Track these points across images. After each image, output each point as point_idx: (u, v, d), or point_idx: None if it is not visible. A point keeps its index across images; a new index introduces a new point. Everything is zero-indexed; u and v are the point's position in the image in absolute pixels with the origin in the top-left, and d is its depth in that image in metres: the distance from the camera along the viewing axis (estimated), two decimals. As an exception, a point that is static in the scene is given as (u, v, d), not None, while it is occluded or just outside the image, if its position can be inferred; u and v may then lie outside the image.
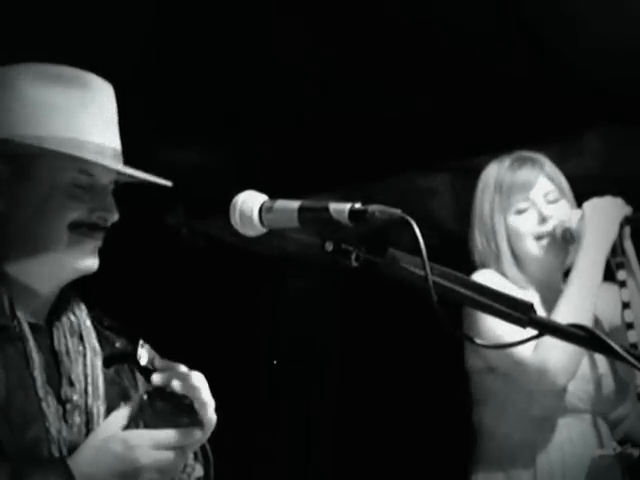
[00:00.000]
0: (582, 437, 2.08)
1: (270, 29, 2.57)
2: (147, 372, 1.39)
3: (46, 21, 2.44)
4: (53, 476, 1.27)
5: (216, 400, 1.42)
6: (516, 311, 1.15)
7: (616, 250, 2.01)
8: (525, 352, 1.97)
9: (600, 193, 2.08)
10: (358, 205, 1.22)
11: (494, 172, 2.17)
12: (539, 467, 2.06)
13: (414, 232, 1.17)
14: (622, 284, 2.00)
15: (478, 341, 1.24)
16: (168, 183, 1.54)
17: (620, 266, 2.01)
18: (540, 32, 2.55)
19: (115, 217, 1.47)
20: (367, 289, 3.68)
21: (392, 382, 4.13)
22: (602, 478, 1.96)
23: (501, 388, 2.10)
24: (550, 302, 2.09)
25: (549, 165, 2.18)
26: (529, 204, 2.12)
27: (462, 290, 1.20)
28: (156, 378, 1.34)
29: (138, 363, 1.35)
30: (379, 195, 3.42)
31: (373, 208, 1.20)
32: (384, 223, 1.20)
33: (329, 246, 1.26)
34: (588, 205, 2.07)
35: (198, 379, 1.37)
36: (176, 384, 1.33)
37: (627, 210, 2.04)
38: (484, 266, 2.16)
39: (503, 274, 2.13)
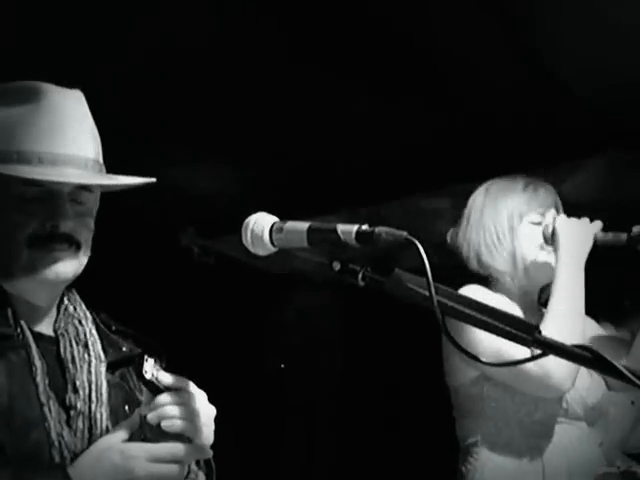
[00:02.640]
0: (581, 444, 2.11)
1: (284, 59, 2.59)
2: (151, 385, 1.39)
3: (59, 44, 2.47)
4: None
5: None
6: (521, 331, 1.16)
7: None
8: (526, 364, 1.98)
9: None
10: (365, 227, 1.24)
11: (509, 185, 2.23)
12: (547, 472, 2.05)
13: (419, 253, 1.19)
14: None
15: (483, 359, 1.25)
16: (147, 180, 1.51)
17: None
18: (542, 59, 2.58)
19: (70, 223, 1.44)
20: (373, 306, 3.69)
21: (396, 397, 4.14)
22: None
23: (502, 395, 2.10)
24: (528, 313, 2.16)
25: (557, 197, 2.26)
26: (543, 219, 2.19)
27: (467, 310, 1.21)
28: (150, 417, 1.34)
29: (143, 377, 1.35)
30: (385, 217, 3.45)
31: (380, 230, 1.22)
32: (390, 244, 1.22)
33: (336, 265, 1.29)
34: (559, 220, 2.14)
35: (194, 398, 1.38)
36: (170, 412, 1.35)
37: (597, 226, 2.11)
38: (484, 264, 2.20)
39: (508, 273, 2.18)
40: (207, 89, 2.77)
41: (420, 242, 1.19)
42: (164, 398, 1.36)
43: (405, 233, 1.21)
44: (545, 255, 2.17)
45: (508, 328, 1.17)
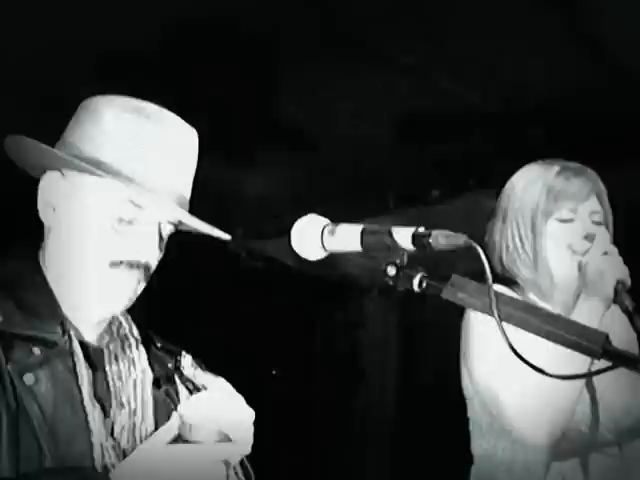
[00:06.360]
0: (612, 472, 1.88)
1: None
2: (188, 382, 1.38)
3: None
4: None
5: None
6: (588, 341, 1.09)
7: None
8: (513, 399, 1.80)
9: None
10: (422, 229, 1.19)
11: (540, 172, 1.97)
12: None
13: (480, 257, 1.13)
14: None
15: (550, 372, 1.17)
16: (223, 235, 1.55)
17: None
18: (614, 53, 2.50)
19: (155, 254, 1.45)
20: (425, 312, 3.63)
21: (450, 404, 4.05)
22: None
23: None
24: None
25: (601, 184, 1.99)
26: (574, 216, 1.93)
27: (530, 318, 1.15)
28: (187, 416, 1.31)
29: (180, 373, 1.33)
30: (440, 217, 3.39)
31: (437, 232, 1.17)
32: (448, 248, 1.16)
33: (391, 270, 1.23)
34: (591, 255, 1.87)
35: (232, 398, 1.36)
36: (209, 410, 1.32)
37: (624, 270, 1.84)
38: (507, 269, 1.99)
39: (531, 281, 1.96)
40: (262, 90, 2.75)
41: (478, 241, 1.13)
42: (202, 396, 1.33)
43: (465, 236, 1.15)
44: (573, 261, 1.90)
45: (575, 338, 1.11)
